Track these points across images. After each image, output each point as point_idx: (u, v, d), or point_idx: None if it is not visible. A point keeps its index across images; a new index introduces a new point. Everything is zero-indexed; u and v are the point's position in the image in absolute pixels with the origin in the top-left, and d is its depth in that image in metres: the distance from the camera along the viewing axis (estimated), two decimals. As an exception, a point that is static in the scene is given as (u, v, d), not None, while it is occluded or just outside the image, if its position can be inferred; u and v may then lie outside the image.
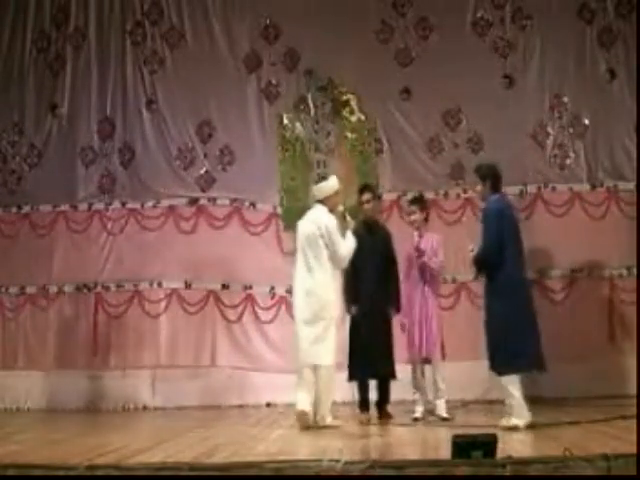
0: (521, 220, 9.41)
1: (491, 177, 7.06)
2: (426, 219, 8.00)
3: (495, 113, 9.72)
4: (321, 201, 7.51)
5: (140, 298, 9.89)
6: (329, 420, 7.25)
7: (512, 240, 6.87)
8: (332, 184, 7.57)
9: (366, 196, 8.15)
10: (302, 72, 10.04)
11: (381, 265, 7.92)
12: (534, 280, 9.46)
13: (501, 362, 6.71)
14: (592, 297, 9.48)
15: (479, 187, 7.13)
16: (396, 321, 7.92)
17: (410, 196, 8.57)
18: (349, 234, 7.49)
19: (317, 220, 7.41)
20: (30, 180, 10.27)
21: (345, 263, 7.45)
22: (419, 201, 8.08)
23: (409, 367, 7.87)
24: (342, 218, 7.52)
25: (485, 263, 6.87)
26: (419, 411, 7.74)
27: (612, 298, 9.46)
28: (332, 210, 7.50)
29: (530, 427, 6.67)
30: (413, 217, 7.97)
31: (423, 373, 7.81)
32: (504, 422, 6.70)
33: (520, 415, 6.68)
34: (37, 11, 10.43)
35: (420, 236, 7.85)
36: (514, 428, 6.51)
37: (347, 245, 7.41)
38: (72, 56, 10.34)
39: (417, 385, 7.80)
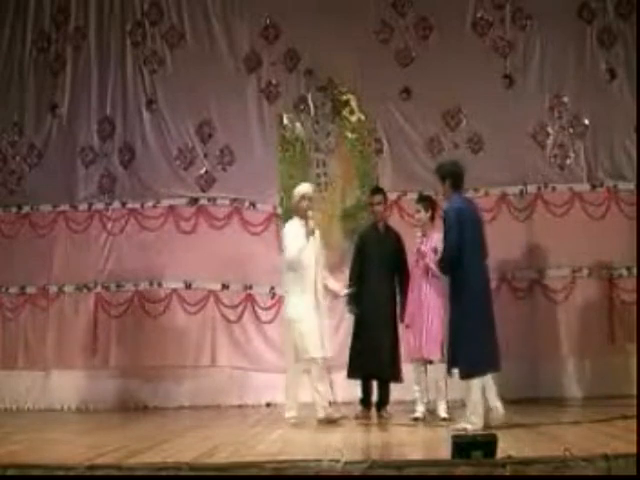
0: (521, 220, 9.56)
1: (450, 176, 6.99)
2: (432, 218, 7.96)
3: (495, 113, 9.71)
4: (295, 209, 7.72)
5: (140, 298, 9.88)
6: (287, 414, 7.54)
7: (472, 241, 6.80)
8: (297, 190, 7.75)
9: (377, 198, 8.19)
10: (302, 72, 10.04)
11: (388, 267, 7.94)
12: (534, 280, 9.50)
13: (466, 365, 6.68)
14: (592, 297, 9.47)
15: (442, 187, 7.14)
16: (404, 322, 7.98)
17: (417, 195, 8.57)
18: (300, 237, 7.52)
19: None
20: (30, 180, 10.26)
21: (289, 265, 7.55)
22: (425, 200, 8.04)
23: (410, 366, 7.89)
24: (308, 221, 7.57)
25: (446, 264, 6.87)
26: (419, 411, 7.74)
27: (612, 298, 9.45)
28: (303, 216, 7.56)
29: (530, 427, 6.67)
30: (417, 216, 7.95)
31: (425, 373, 7.81)
32: (457, 425, 6.72)
33: (473, 419, 6.65)
34: (37, 11, 10.42)
35: (424, 236, 7.83)
36: (462, 430, 6.38)
37: (292, 247, 7.51)
38: (72, 56, 10.34)
39: (418, 383, 7.80)
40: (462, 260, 6.72)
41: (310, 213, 7.57)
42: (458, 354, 6.74)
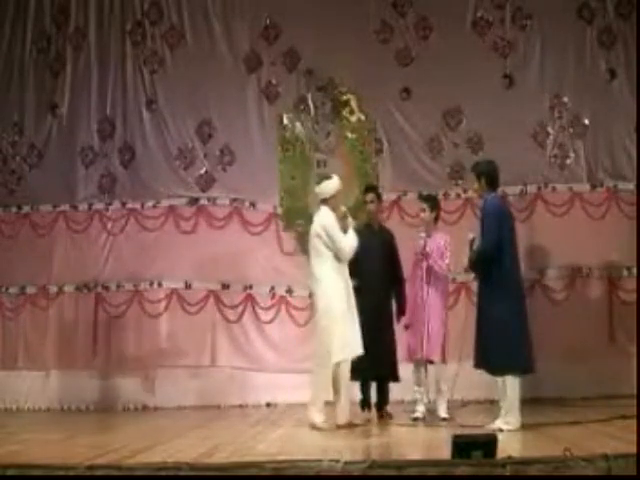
0: (521, 220, 9.54)
1: (486, 174, 7.00)
2: (436, 219, 7.97)
3: (495, 113, 9.71)
4: (325, 200, 7.49)
5: (140, 298, 9.88)
6: (317, 419, 7.16)
7: (510, 239, 6.84)
8: (335, 184, 7.52)
9: (370, 196, 8.17)
10: (302, 72, 10.03)
11: (383, 266, 7.92)
12: (534, 280, 9.49)
13: (502, 362, 6.65)
14: (592, 297, 9.48)
15: (475, 185, 7.10)
16: (400, 322, 7.96)
17: (417, 195, 8.56)
18: (351, 232, 7.43)
19: (317, 220, 7.45)
20: (30, 180, 10.26)
21: (348, 256, 7.33)
22: (430, 199, 8.07)
23: (410, 366, 7.88)
24: (344, 217, 7.47)
25: (483, 261, 6.82)
26: (419, 411, 7.74)
27: (612, 298, 9.45)
28: (335, 209, 7.45)
29: (530, 427, 6.67)
30: (422, 215, 7.94)
31: (426, 373, 7.81)
32: (492, 425, 6.64)
33: (509, 419, 6.62)
34: (37, 11, 10.40)
35: (428, 236, 7.83)
36: (499, 430, 6.33)
37: (348, 240, 7.34)
38: (72, 56, 10.33)
39: (418, 384, 7.80)
40: (501, 258, 6.71)
41: (343, 208, 7.52)
42: (493, 350, 6.66)
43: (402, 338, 7.95)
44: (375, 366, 7.76)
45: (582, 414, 7.45)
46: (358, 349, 7.24)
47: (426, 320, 7.69)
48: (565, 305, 9.49)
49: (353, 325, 7.28)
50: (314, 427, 7.13)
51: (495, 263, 6.72)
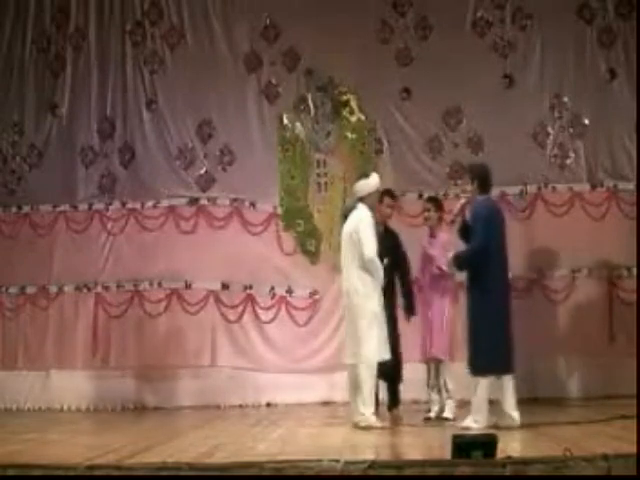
0: (521, 220, 9.55)
1: (478, 178, 7.07)
2: (439, 219, 8.03)
3: (495, 113, 9.71)
4: (362, 198, 7.36)
5: (140, 298, 9.88)
6: (373, 420, 7.08)
7: (497, 242, 6.87)
8: (373, 182, 7.43)
9: (390, 201, 8.07)
10: (302, 72, 10.03)
11: (389, 268, 7.85)
12: (534, 280, 9.50)
13: (479, 362, 6.73)
14: (592, 297, 9.47)
15: (469, 187, 7.16)
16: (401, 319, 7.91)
17: (416, 195, 8.58)
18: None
19: (355, 217, 7.31)
20: (30, 180, 10.26)
21: (369, 265, 7.14)
22: (435, 200, 8.19)
23: (418, 366, 7.87)
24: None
25: (470, 263, 6.88)
26: (434, 410, 7.74)
27: (612, 298, 9.45)
28: (372, 208, 7.38)
29: (530, 427, 6.67)
30: (427, 214, 8.02)
31: (435, 372, 7.81)
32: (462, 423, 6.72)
33: (477, 418, 6.66)
34: (37, 11, 10.40)
35: (433, 236, 7.91)
36: (466, 429, 6.44)
37: (372, 245, 7.17)
38: (72, 56, 10.33)
39: (430, 385, 7.82)
40: (487, 261, 6.75)
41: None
42: (470, 350, 6.79)
43: (413, 338, 7.90)
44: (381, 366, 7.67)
45: (582, 414, 7.45)
46: (388, 353, 7.19)
47: (429, 319, 7.74)
48: (565, 305, 9.48)
49: (385, 328, 7.23)
50: (369, 427, 7.01)
51: (481, 266, 6.77)
